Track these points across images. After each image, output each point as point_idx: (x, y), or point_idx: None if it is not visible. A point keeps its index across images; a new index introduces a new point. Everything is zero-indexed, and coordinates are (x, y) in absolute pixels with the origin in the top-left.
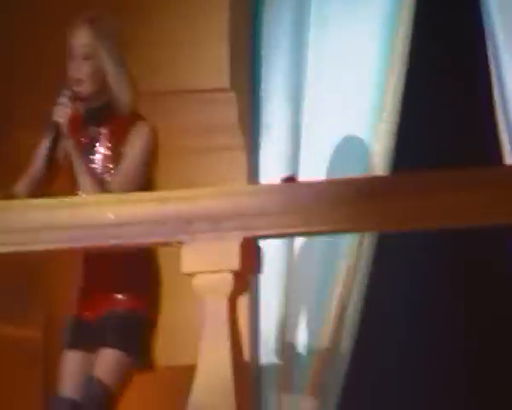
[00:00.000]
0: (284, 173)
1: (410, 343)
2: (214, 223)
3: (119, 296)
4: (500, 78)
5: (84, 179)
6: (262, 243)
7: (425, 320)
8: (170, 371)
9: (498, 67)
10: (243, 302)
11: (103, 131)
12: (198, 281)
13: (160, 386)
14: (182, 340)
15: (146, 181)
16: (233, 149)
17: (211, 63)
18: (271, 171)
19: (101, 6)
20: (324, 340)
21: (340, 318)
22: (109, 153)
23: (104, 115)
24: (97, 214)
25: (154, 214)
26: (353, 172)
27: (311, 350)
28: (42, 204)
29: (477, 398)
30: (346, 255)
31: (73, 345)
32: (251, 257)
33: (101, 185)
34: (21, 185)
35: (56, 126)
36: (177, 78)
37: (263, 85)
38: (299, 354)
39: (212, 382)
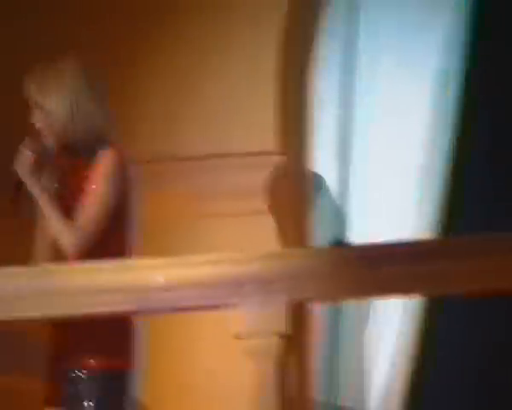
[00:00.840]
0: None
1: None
2: (265, 285)
3: (99, 355)
4: None
5: (54, 223)
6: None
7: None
8: None
9: None
10: (293, 365)
11: (69, 169)
12: (248, 344)
13: None
14: (231, 402)
15: (122, 210)
16: None
17: (258, 125)
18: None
19: (148, 73)
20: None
21: (391, 384)
22: (76, 191)
23: (69, 154)
24: (147, 278)
25: (206, 278)
26: (403, 228)
27: None
28: (86, 268)
29: None
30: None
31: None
32: (301, 320)
33: (71, 227)
34: None
35: (17, 176)
36: (226, 141)
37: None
38: None
39: None
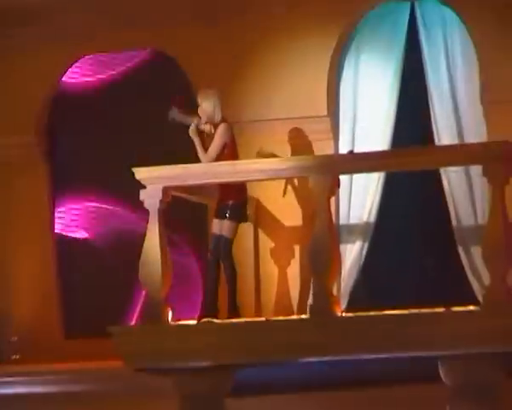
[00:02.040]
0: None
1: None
2: None
3: (229, 196)
4: None
5: (199, 151)
6: None
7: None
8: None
9: None
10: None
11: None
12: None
13: None
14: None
15: (231, 156)
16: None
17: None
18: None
19: (221, 51)
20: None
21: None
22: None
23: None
24: None
25: None
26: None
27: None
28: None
29: None
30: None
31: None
32: None
33: (205, 154)
34: None
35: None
36: (287, 108)
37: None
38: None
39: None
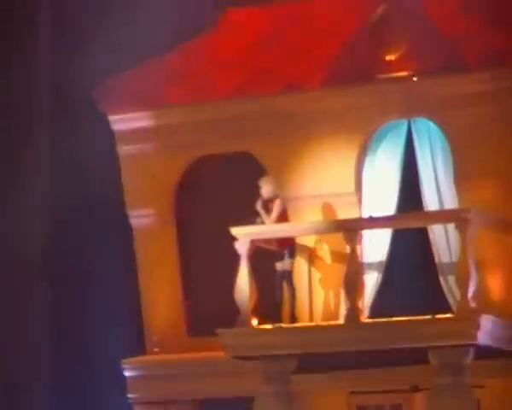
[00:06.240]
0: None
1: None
2: None
3: (285, 244)
4: None
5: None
6: None
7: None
8: None
9: None
10: None
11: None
12: None
13: None
14: None
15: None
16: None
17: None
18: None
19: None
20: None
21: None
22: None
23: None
24: None
25: None
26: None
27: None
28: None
29: None
30: None
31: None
32: None
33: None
34: None
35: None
36: (328, 187)
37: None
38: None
39: (350, 271)
